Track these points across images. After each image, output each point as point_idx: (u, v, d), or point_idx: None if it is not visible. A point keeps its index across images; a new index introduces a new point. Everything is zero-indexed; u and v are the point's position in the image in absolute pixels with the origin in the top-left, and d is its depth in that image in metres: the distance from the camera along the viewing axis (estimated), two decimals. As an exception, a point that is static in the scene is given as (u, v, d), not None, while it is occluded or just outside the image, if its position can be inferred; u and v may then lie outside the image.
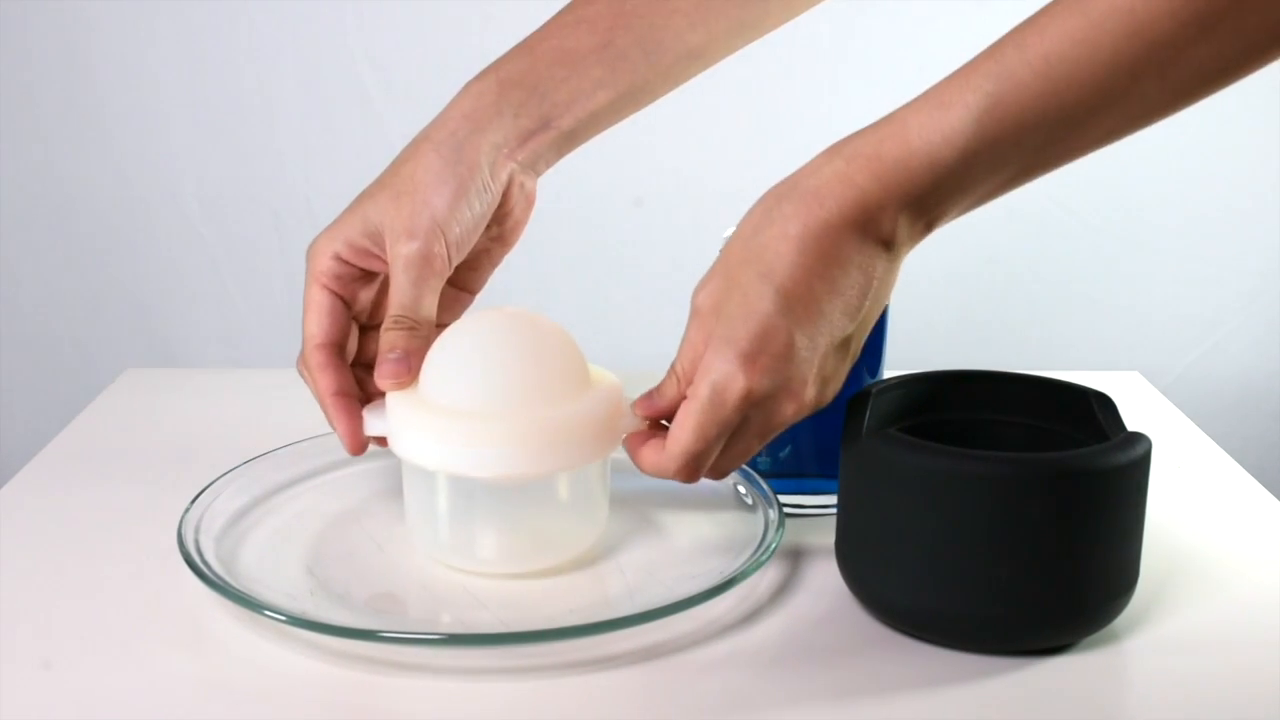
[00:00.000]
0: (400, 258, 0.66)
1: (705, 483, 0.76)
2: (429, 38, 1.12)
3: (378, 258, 0.68)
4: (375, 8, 1.11)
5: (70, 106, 1.12)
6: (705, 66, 0.73)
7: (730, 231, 0.74)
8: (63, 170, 1.14)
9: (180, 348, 1.18)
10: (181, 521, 0.68)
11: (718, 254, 0.60)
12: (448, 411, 0.65)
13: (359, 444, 0.67)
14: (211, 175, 1.14)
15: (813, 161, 0.57)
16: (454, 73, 1.12)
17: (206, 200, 1.15)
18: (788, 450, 0.75)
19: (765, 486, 0.72)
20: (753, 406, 0.59)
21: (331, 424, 0.67)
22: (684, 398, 0.60)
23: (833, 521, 0.66)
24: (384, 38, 1.12)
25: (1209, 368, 1.19)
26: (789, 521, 0.71)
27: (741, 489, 0.74)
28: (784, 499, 0.72)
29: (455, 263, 0.68)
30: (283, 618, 0.60)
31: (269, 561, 0.68)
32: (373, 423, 0.68)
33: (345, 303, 0.69)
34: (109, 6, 1.10)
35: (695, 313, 0.60)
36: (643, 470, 0.63)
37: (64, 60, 1.11)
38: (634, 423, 0.68)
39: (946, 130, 0.54)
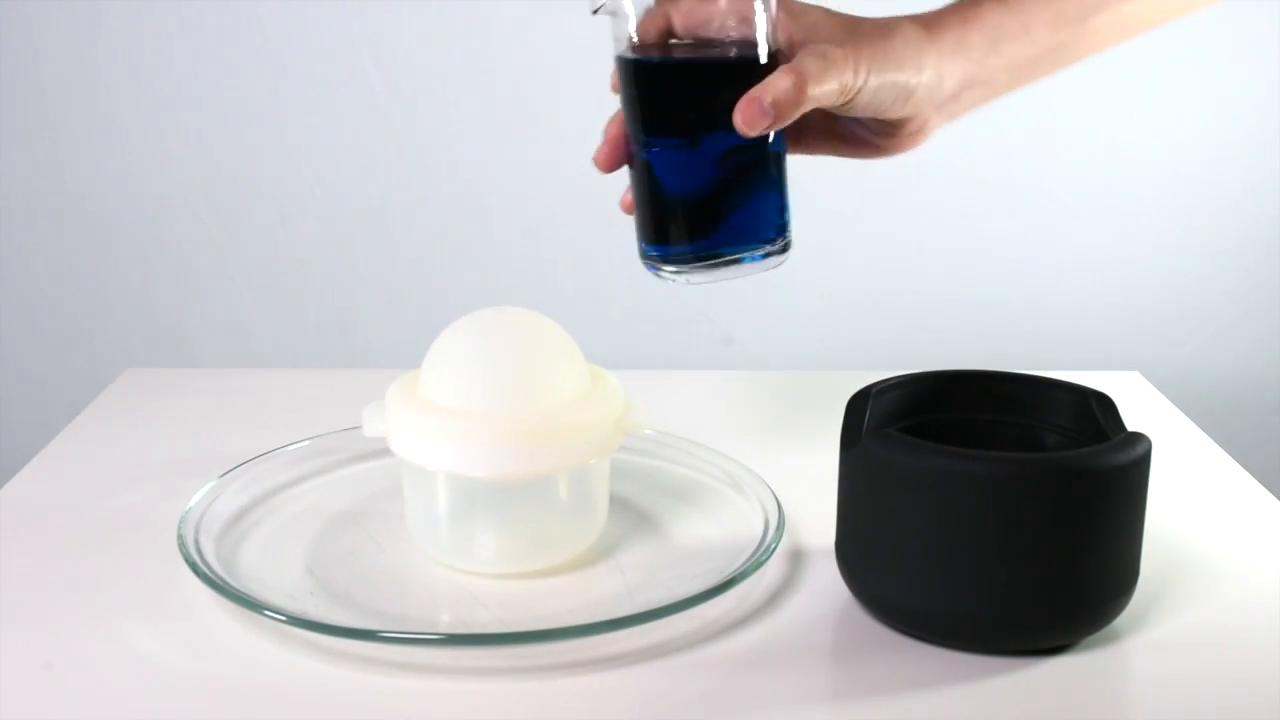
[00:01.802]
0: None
1: (703, 482, 0.76)
2: (434, 36, 1.12)
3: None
4: (381, 6, 1.11)
5: (76, 102, 1.13)
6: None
7: None
8: (69, 166, 1.14)
9: (187, 344, 1.18)
10: (181, 521, 0.68)
11: None
12: (448, 411, 0.65)
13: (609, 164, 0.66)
14: (218, 172, 1.14)
15: None
16: (458, 71, 1.13)
17: (213, 196, 1.15)
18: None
19: (765, 487, 0.72)
20: None
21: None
22: None
23: (833, 521, 0.66)
24: (389, 35, 1.12)
25: (1203, 360, 1.19)
26: (789, 521, 0.71)
27: (741, 489, 0.74)
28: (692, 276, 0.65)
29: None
30: (283, 618, 0.60)
31: (269, 561, 0.68)
32: (373, 422, 0.68)
33: None
34: (117, 4, 1.10)
35: None
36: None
37: (71, 56, 1.11)
38: (634, 422, 0.68)
39: None
